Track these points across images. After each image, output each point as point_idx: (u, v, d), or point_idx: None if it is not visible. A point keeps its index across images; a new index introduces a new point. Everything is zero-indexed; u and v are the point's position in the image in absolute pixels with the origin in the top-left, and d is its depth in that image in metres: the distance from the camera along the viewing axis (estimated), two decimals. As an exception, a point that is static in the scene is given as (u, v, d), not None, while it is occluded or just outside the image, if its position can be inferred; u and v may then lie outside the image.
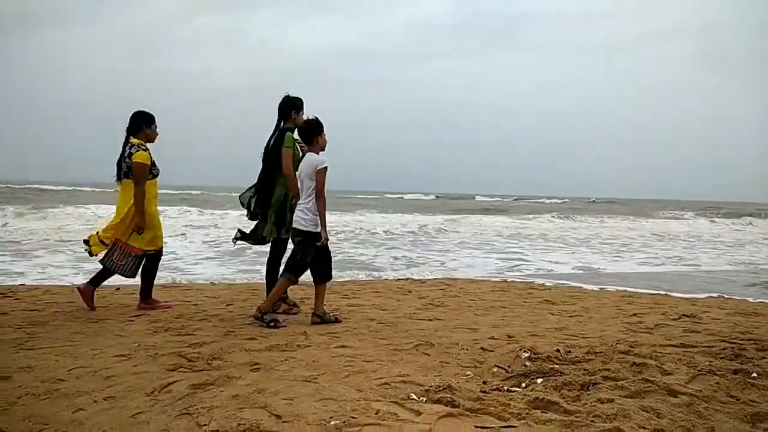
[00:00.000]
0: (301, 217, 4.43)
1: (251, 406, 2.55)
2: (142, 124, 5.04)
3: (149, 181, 4.96)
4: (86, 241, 5.03)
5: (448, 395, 2.69)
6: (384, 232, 16.66)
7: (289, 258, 4.60)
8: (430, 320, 4.81)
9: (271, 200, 4.85)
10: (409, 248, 12.79)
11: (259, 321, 4.41)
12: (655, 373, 3.04)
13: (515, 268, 10.15)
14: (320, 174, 4.37)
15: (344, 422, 2.34)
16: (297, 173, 4.66)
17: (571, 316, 5.14)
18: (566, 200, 58.81)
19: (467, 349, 3.73)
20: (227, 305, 5.40)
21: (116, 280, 7.64)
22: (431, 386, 2.84)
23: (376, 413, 2.46)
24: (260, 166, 4.99)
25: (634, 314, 5.25)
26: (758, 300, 6.76)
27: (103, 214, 18.35)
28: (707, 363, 3.22)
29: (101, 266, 5.04)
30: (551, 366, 3.22)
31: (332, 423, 2.34)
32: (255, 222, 5.03)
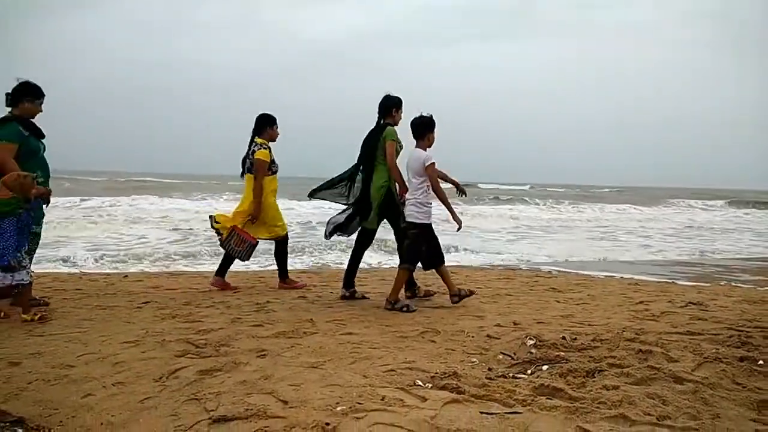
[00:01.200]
0: (415, 211, 4.62)
1: (258, 392, 2.57)
2: (266, 125, 5.52)
3: (268, 177, 5.44)
4: (213, 223, 5.50)
5: (454, 382, 2.70)
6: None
7: (403, 249, 4.78)
8: (435, 307, 4.83)
9: (371, 190, 4.98)
10: (381, 234, 12.63)
11: (391, 309, 4.63)
12: (660, 361, 3.04)
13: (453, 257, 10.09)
14: (430, 169, 4.56)
15: (350, 408, 2.36)
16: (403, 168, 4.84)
17: (577, 304, 5.14)
18: (577, 189, 58.64)
19: (473, 336, 3.74)
20: (234, 292, 5.43)
21: (124, 268, 7.72)
22: (437, 373, 2.86)
23: (382, 399, 2.47)
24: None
25: (641, 302, 5.24)
26: (766, 288, 6.72)
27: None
28: (713, 350, 3.21)
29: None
30: (557, 353, 3.23)
31: (338, 409, 2.36)
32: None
